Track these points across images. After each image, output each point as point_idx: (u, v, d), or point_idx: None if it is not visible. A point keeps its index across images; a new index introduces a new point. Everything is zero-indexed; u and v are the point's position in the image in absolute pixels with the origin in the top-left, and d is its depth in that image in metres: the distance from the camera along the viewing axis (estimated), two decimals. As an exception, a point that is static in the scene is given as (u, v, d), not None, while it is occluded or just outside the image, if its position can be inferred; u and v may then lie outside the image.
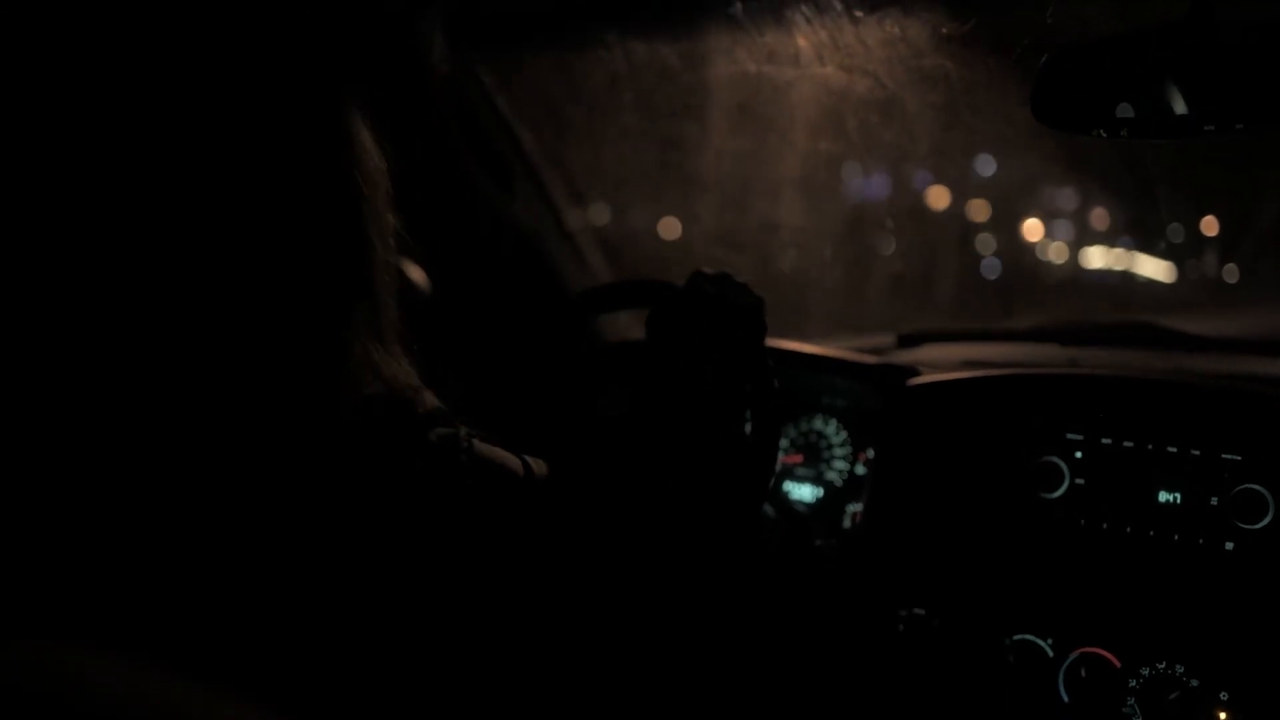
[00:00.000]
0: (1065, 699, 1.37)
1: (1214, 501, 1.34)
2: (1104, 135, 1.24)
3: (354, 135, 0.91)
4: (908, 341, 1.93)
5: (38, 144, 0.80)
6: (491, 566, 0.96)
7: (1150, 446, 1.39)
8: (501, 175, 1.74)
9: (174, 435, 0.81)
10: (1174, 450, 1.37)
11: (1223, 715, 1.27)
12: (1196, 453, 1.36)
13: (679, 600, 1.13)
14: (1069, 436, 1.45)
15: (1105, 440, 1.42)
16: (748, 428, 1.17)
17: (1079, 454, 1.44)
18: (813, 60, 1.60)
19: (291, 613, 0.84)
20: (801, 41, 1.56)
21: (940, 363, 1.74)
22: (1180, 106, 1.18)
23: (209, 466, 0.81)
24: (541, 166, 1.84)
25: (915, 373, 1.62)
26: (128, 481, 0.79)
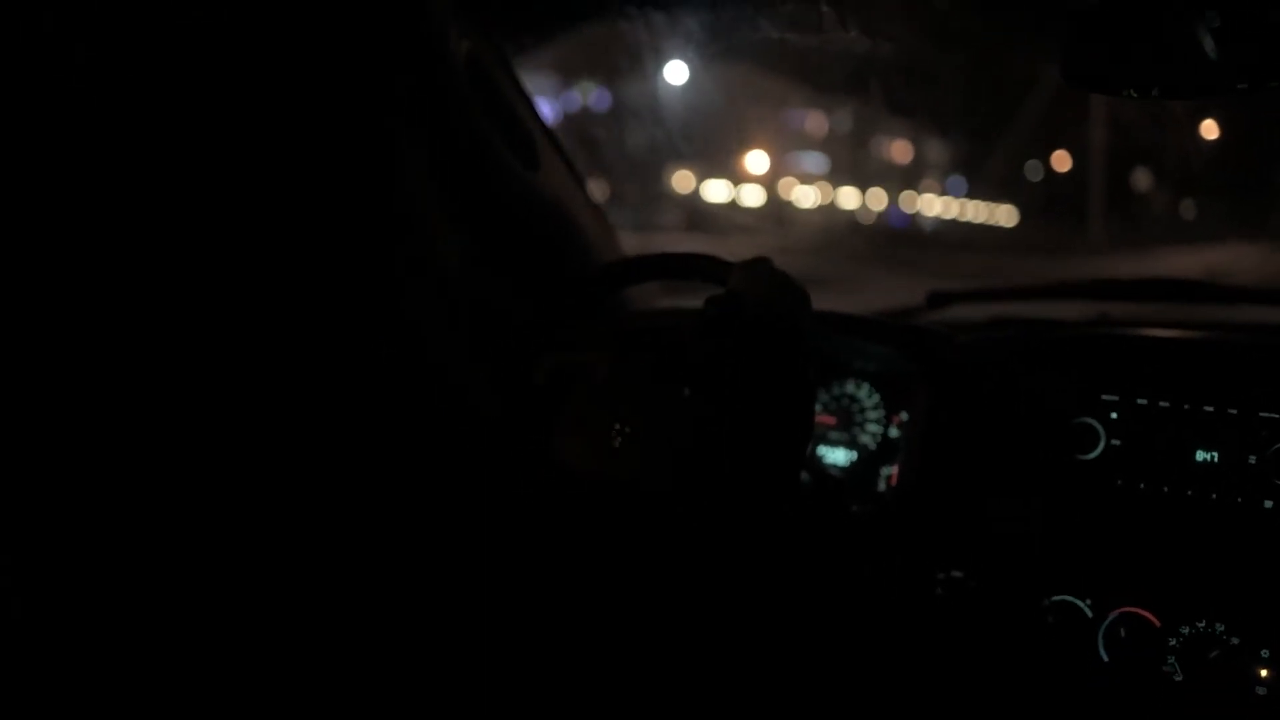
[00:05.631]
0: (1105, 659, 1.37)
1: (1252, 460, 1.33)
2: (1134, 96, 1.23)
3: (378, 116, 0.92)
4: (937, 301, 1.92)
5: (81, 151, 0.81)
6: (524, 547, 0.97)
7: (1187, 406, 1.39)
8: (525, 148, 1.73)
9: (208, 426, 0.82)
10: (1211, 409, 1.37)
11: (1264, 672, 1.27)
12: (1234, 411, 1.35)
13: (714, 568, 1.13)
14: (1104, 397, 1.44)
15: (1141, 400, 1.42)
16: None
17: (1114, 414, 1.43)
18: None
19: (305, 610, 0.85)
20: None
21: (970, 323, 1.74)
22: (1210, 64, 1.16)
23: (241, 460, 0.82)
24: (564, 139, 1.83)
25: (948, 335, 1.61)
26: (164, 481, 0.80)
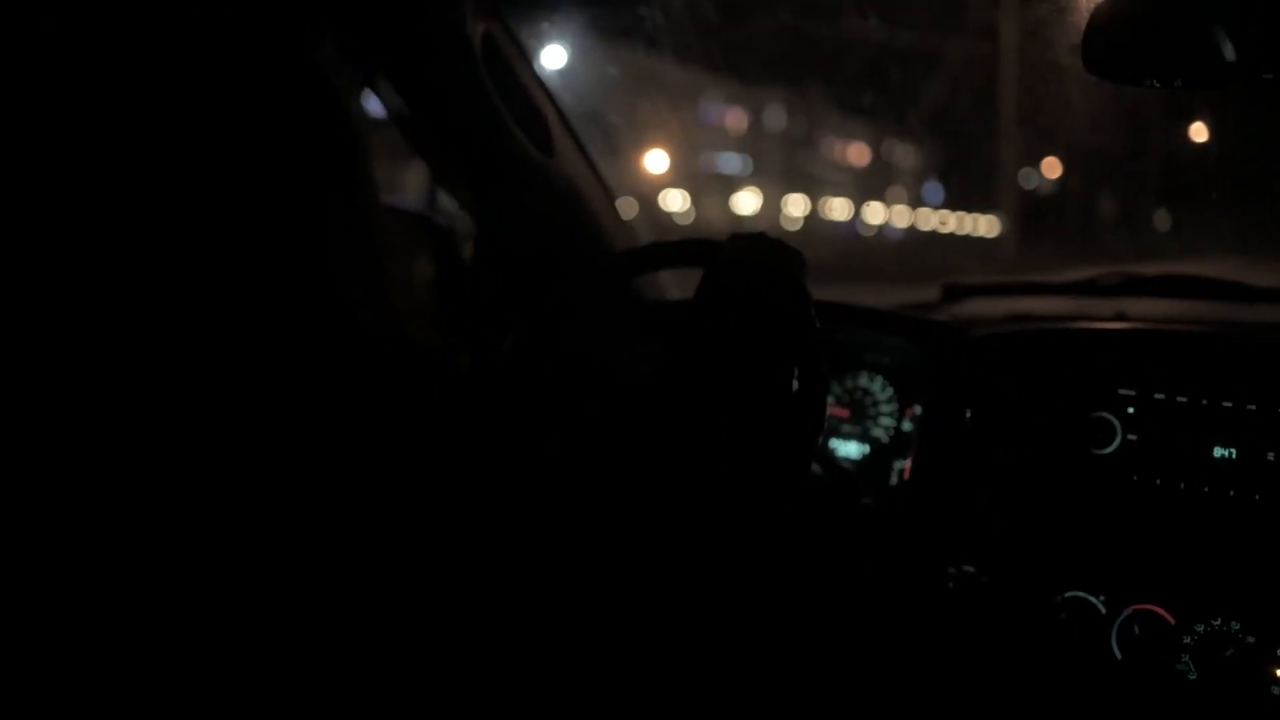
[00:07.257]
0: (1118, 656, 1.36)
1: (1270, 457, 1.32)
2: (1157, 86, 1.21)
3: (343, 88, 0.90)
4: (953, 295, 1.91)
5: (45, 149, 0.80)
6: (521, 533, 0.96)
7: (1205, 402, 1.37)
8: (539, 134, 1.72)
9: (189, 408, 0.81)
10: (1229, 405, 1.35)
11: (1279, 671, 1.26)
12: (1253, 408, 1.34)
13: (723, 560, 1.12)
14: (1121, 392, 1.43)
15: (1158, 395, 1.40)
16: (795, 386, 1.16)
17: (1131, 409, 1.42)
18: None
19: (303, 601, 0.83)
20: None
21: (987, 317, 1.73)
22: (1233, 53, 1.14)
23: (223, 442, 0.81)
24: (579, 125, 1.82)
25: (964, 329, 1.60)
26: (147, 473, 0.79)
